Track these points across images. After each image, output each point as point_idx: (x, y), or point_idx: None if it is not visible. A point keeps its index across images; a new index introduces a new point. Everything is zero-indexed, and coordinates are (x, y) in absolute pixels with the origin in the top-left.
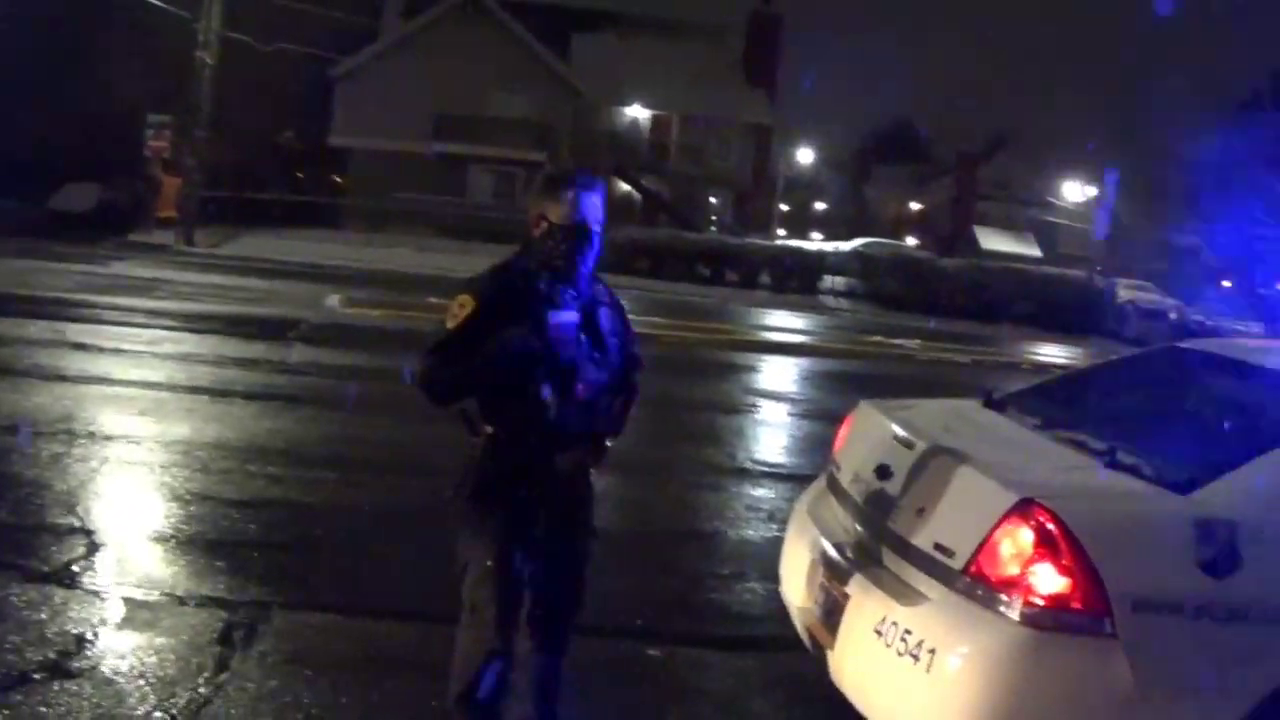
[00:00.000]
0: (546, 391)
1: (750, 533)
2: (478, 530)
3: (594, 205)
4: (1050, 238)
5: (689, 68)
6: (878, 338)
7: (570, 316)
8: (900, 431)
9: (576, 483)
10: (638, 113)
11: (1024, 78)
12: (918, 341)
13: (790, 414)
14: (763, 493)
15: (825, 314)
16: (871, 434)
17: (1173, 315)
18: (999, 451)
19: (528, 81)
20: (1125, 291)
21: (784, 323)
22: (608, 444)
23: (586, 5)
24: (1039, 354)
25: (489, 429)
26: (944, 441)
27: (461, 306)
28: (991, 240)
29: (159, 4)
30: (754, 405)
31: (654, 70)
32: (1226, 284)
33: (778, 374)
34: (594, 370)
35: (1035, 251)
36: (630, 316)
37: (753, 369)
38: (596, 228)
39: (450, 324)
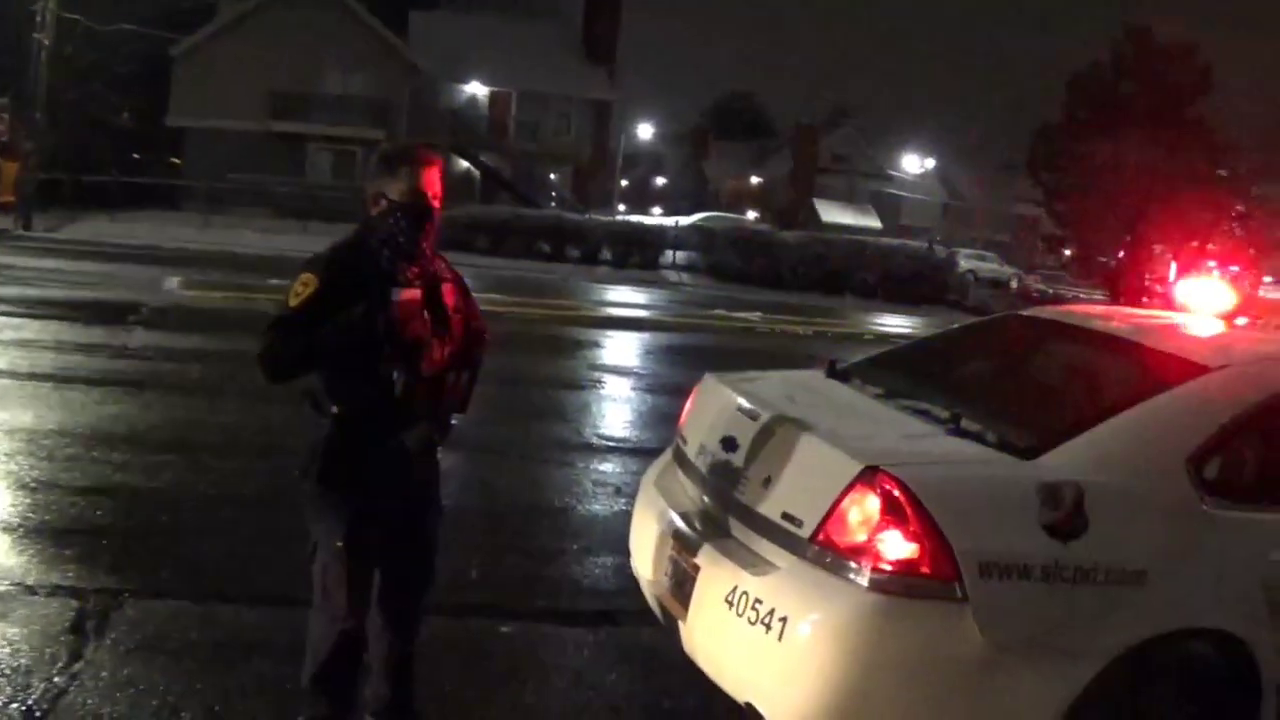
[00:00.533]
0: (391, 370)
1: (598, 507)
2: (326, 511)
3: (433, 180)
4: (891, 210)
5: (528, 44)
6: (719, 311)
7: (413, 293)
8: (744, 403)
9: (423, 461)
10: (476, 89)
11: (863, 50)
12: (759, 314)
13: (634, 389)
14: (609, 467)
15: (667, 289)
16: (716, 406)
17: (1013, 284)
18: (843, 421)
19: (365, 59)
20: (966, 261)
21: (626, 298)
22: (454, 421)
23: None
24: (881, 324)
25: (335, 408)
26: (788, 412)
27: (304, 285)
28: (832, 213)
29: None
30: (598, 381)
31: (493, 46)
32: (1067, 252)
33: (621, 349)
34: (438, 347)
35: (876, 223)
36: (475, 292)
37: (596, 345)
38: (436, 203)
39: (293, 301)
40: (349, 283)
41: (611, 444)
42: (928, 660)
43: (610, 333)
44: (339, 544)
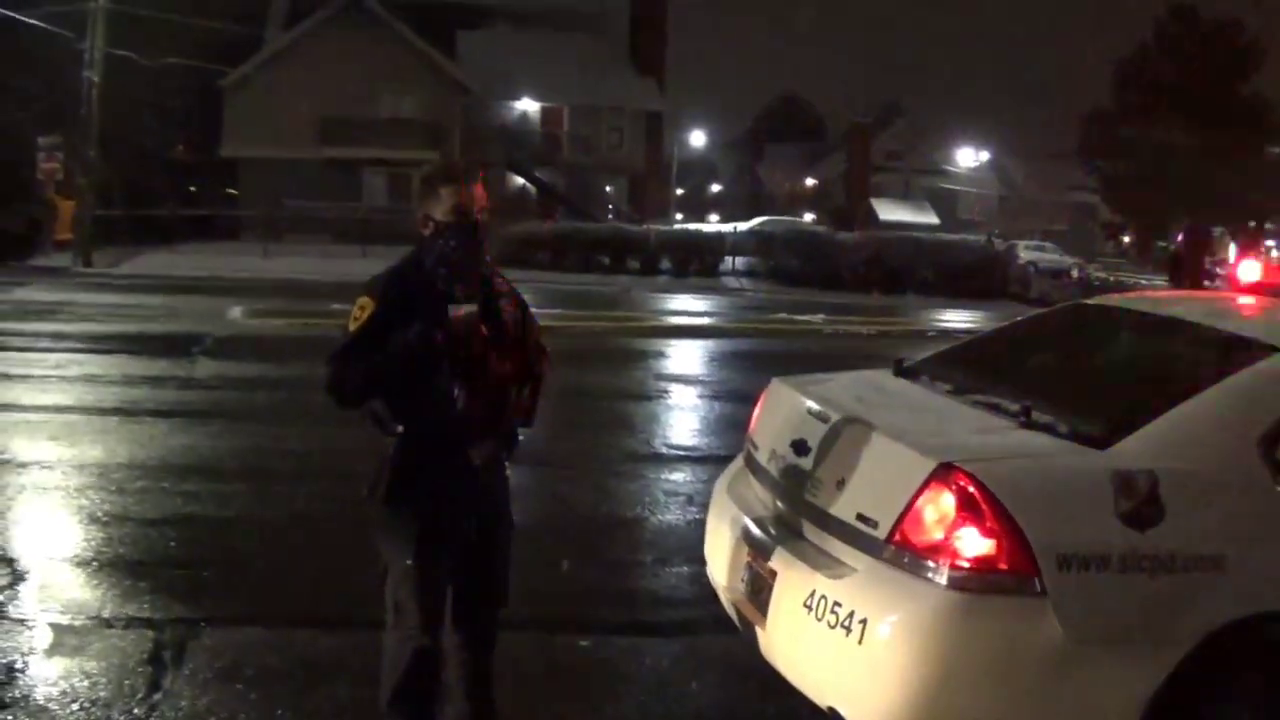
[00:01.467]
0: (453, 386)
1: (670, 517)
2: (395, 530)
3: (476, 197)
4: (948, 205)
5: (576, 58)
6: (782, 315)
7: (470, 309)
8: (814, 405)
9: (491, 475)
10: (527, 106)
11: (910, 46)
12: (821, 316)
13: (700, 397)
14: (680, 476)
15: (728, 295)
16: (785, 410)
17: (1075, 273)
18: (914, 419)
19: (415, 81)
20: (1026, 253)
21: (687, 306)
22: (519, 435)
23: (470, 1)
24: (944, 320)
25: (400, 428)
26: (858, 412)
27: (362, 309)
28: (889, 211)
29: (42, 26)
30: (664, 391)
31: (541, 63)
32: (1126, 239)
33: (685, 358)
34: (498, 362)
35: (933, 219)
36: (534, 309)
37: (660, 354)
38: (482, 216)
39: (353, 326)
40: (406, 303)
41: (681, 453)
42: (1010, 657)
43: (673, 342)
44: (408, 562)
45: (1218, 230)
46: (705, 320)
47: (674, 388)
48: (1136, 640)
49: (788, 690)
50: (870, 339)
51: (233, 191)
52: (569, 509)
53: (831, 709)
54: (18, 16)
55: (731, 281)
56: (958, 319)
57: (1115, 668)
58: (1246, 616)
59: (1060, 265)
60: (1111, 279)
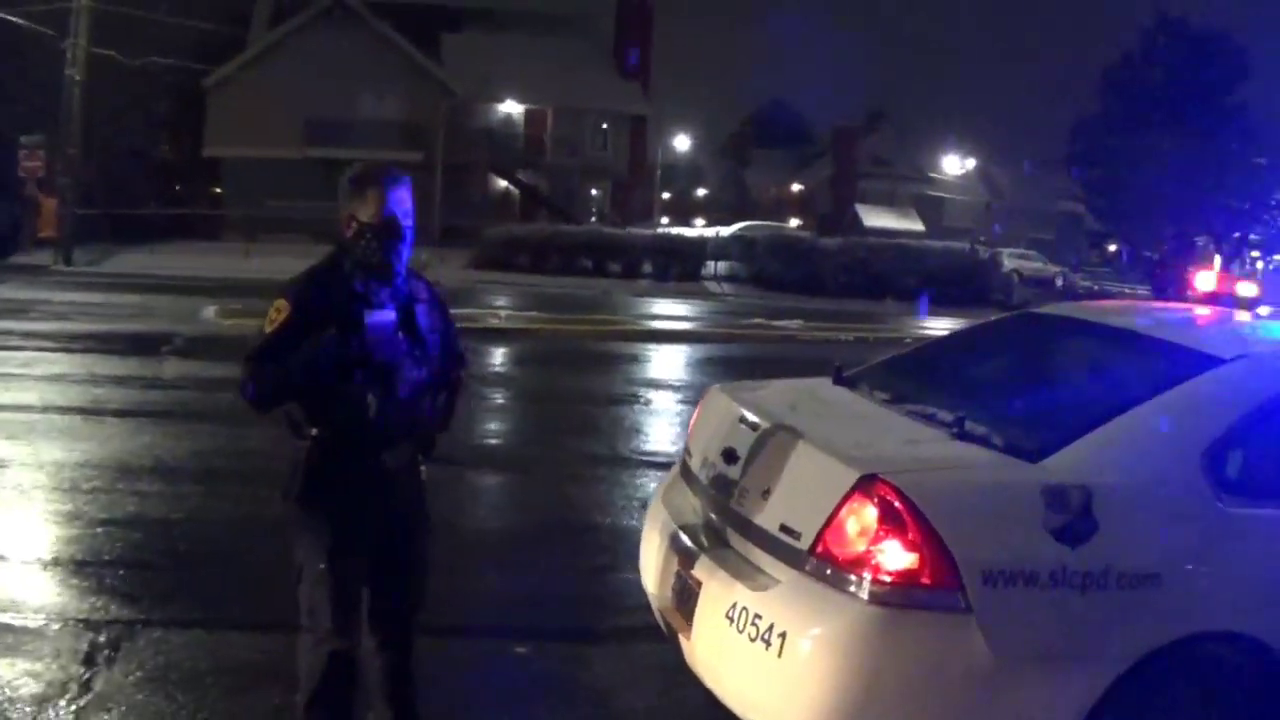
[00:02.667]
0: (366, 392)
1: (627, 523)
2: (308, 533)
3: (401, 200)
4: (934, 212)
5: (560, 61)
6: (759, 320)
7: (387, 315)
8: (745, 413)
9: (406, 480)
10: (511, 108)
11: (897, 53)
12: (799, 322)
13: (675, 401)
14: (643, 482)
15: (708, 300)
16: (718, 417)
17: (1059, 282)
18: (844, 428)
19: (399, 82)
20: (1010, 260)
21: (667, 310)
22: (434, 440)
23: (455, 3)
24: (924, 328)
25: (314, 431)
26: (788, 420)
27: (278, 311)
28: (874, 217)
29: (24, 24)
30: (636, 395)
31: (525, 65)
32: (1112, 248)
33: (661, 363)
34: (414, 368)
35: (918, 226)
36: (512, 312)
37: (636, 359)
38: (407, 222)
39: (268, 329)
40: (323, 306)
41: (645, 459)
42: (932, 674)
43: (650, 346)
44: (321, 566)
45: (1201, 240)
46: (682, 325)
47: (646, 392)
48: (1067, 659)
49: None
50: (847, 345)
51: (216, 191)
52: (525, 513)
53: None
54: (0, 14)
55: (713, 286)
56: (938, 326)
57: (1045, 687)
58: (1183, 637)
59: (1044, 274)
60: (1096, 288)
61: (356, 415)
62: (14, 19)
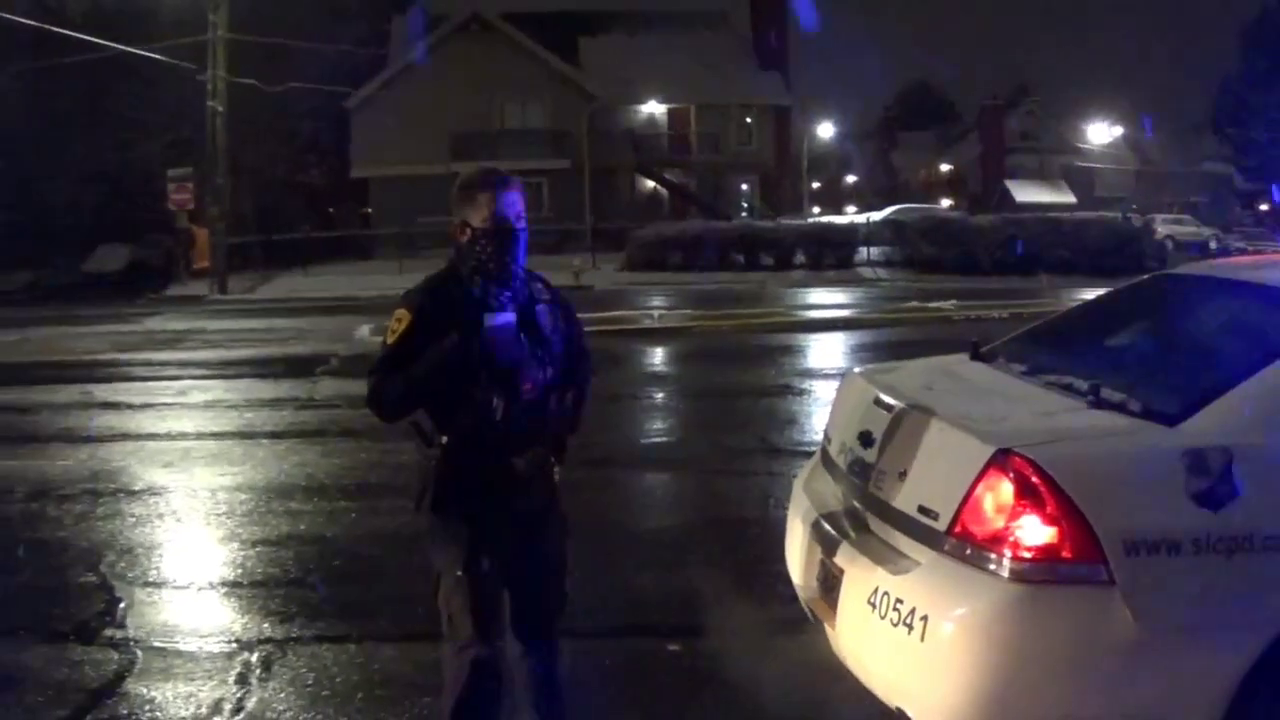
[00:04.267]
0: (491, 396)
1: (780, 514)
2: (443, 541)
3: (512, 202)
4: (1085, 182)
5: (699, 57)
6: (914, 303)
7: (507, 318)
8: (880, 395)
9: (538, 483)
10: (653, 109)
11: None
12: (953, 302)
13: (830, 390)
14: (797, 472)
15: (863, 286)
16: (854, 401)
17: (1212, 245)
18: (979, 404)
19: (540, 91)
20: (1163, 227)
21: (822, 299)
22: (565, 441)
23: (589, 8)
24: (1078, 299)
25: (443, 439)
26: (922, 400)
27: (399, 321)
28: (1025, 192)
29: (164, 59)
30: (791, 386)
31: (664, 64)
32: (1264, 207)
33: (817, 352)
34: (537, 369)
35: (1070, 198)
36: (666, 311)
37: (791, 349)
38: (520, 224)
39: (389, 339)
40: (442, 313)
41: (800, 449)
42: (1079, 650)
43: (805, 336)
44: (458, 573)
45: None
46: (837, 313)
47: (798, 382)
48: (1217, 628)
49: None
50: (1002, 322)
51: (366, 210)
52: (680, 510)
53: (899, 709)
54: (140, 51)
55: (867, 272)
56: (1092, 298)
57: (1195, 657)
58: None
59: (1198, 237)
60: (1250, 248)
61: (483, 419)
62: (154, 55)
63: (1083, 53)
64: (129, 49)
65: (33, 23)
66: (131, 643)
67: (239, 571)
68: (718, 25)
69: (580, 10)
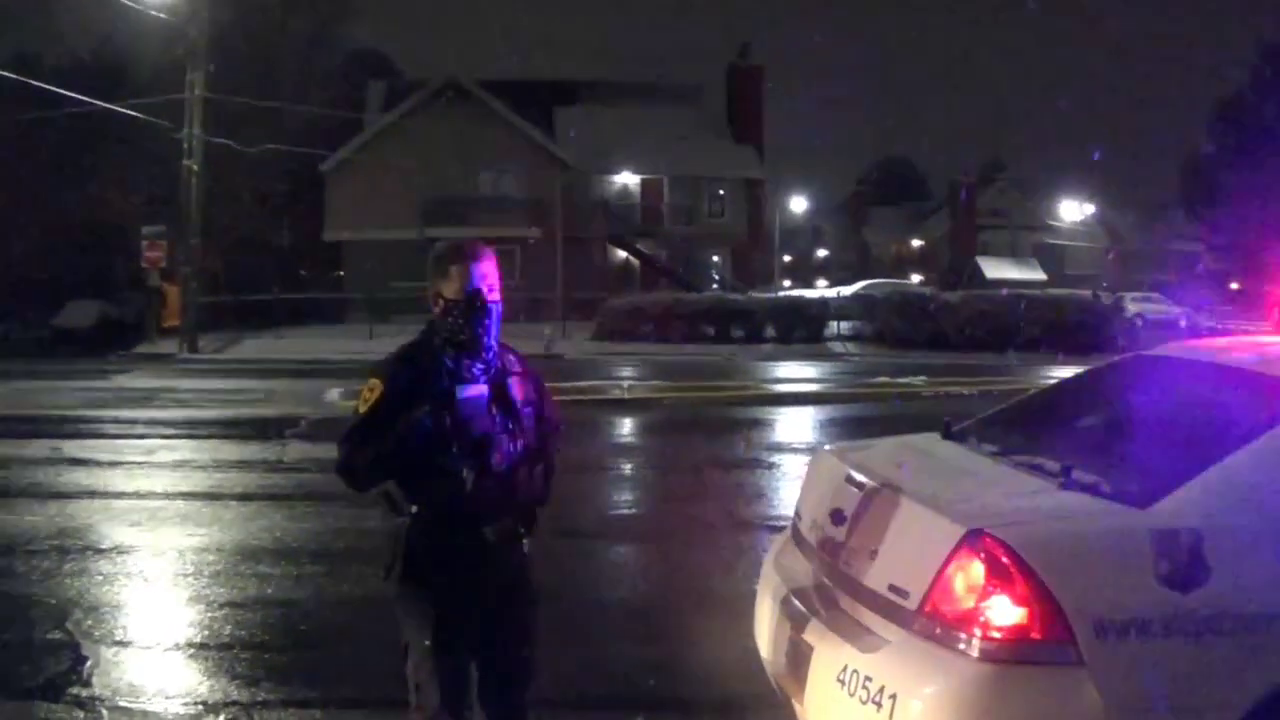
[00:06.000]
0: (462, 466)
1: (749, 588)
2: (412, 610)
3: (485, 274)
4: (1055, 260)
5: (674, 130)
6: (884, 378)
7: (479, 390)
8: (851, 473)
9: (507, 554)
10: (627, 179)
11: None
12: (923, 378)
13: (799, 464)
14: (765, 546)
15: (832, 360)
16: (826, 478)
17: (1183, 323)
18: (950, 483)
19: (514, 159)
20: (1133, 305)
21: (791, 373)
22: (535, 512)
23: (565, 78)
24: (1049, 377)
25: (413, 508)
26: (893, 478)
27: (371, 390)
28: (996, 269)
29: (142, 117)
30: (760, 459)
31: (639, 136)
32: (1235, 286)
33: (785, 425)
34: (509, 441)
35: (1040, 275)
36: (636, 382)
37: (760, 422)
38: (493, 296)
39: (361, 408)
40: (415, 383)
41: (768, 522)
42: None
43: (774, 409)
44: (426, 643)
45: None
46: (806, 387)
47: (766, 455)
48: (1184, 709)
49: None
50: (969, 399)
51: (339, 274)
52: (648, 582)
53: None
54: (116, 109)
55: (836, 346)
56: (1062, 375)
57: None
58: None
59: (1168, 315)
60: (1219, 327)
61: (454, 490)
62: (130, 112)
63: (1055, 132)
64: (107, 105)
65: (11, 74)
66: (98, 702)
67: (206, 633)
68: (693, 99)
69: (557, 80)
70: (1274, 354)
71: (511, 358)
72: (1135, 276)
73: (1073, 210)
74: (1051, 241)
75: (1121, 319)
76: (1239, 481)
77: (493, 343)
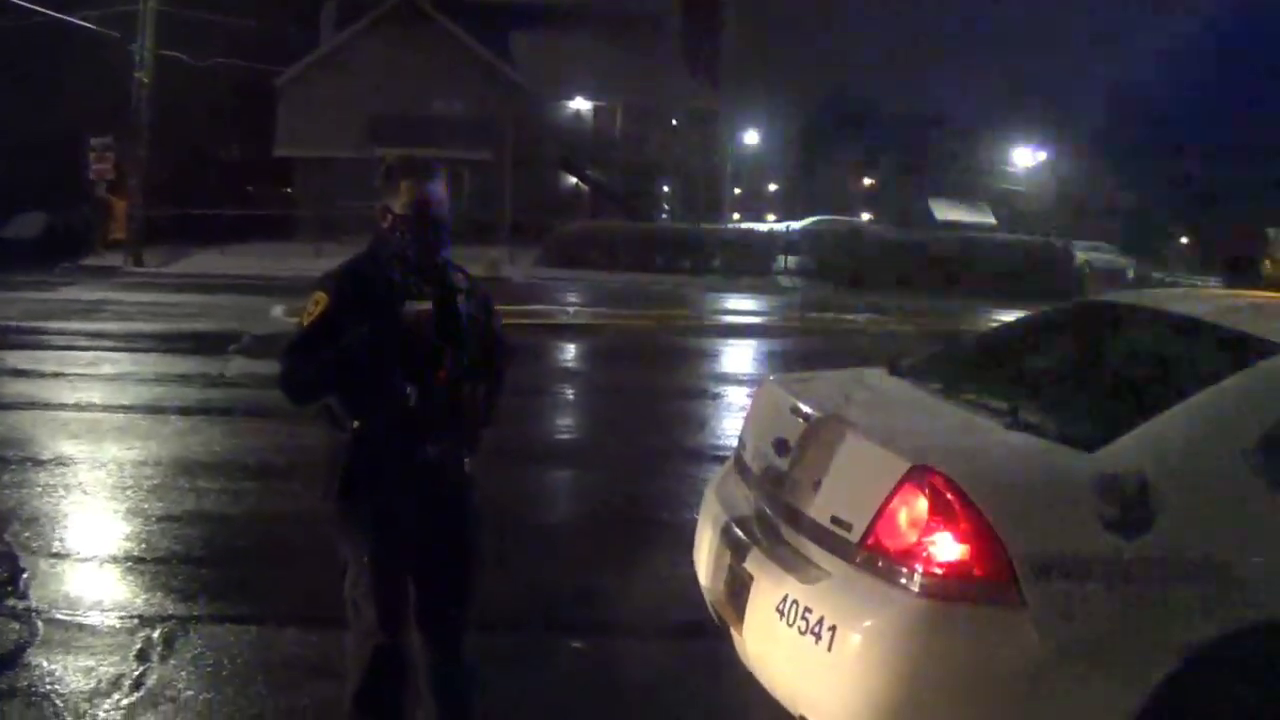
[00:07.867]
0: (405, 384)
1: (689, 517)
2: (350, 528)
3: (434, 191)
4: (1006, 205)
5: (630, 58)
6: (829, 314)
7: (424, 305)
8: (797, 403)
9: (449, 473)
10: (580, 105)
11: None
12: (867, 316)
13: (741, 395)
14: (707, 475)
15: (778, 294)
16: (771, 408)
17: (1129, 274)
18: (896, 418)
19: (468, 81)
20: (1081, 254)
21: (737, 305)
22: (479, 433)
23: (523, 1)
24: (993, 320)
25: (355, 424)
26: (839, 411)
27: (315, 303)
28: (946, 211)
29: (93, 27)
30: (703, 389)
31: (595, 62)
32: (1184, 240)
33: (729, 357)
34: (452, 359)
35: (990, 220)
36: (581, 307)
37: (704, 353)
38: (441, 212)
39: (305, 322)
40: (360, 298)
41: (710, 452)
42: (985, 668)
43: (718, 340)
44: (364, 559)
45: (1273, 232)
46: (751, 319)
47: (710, 385)
48: (1121, 653)
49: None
50: (911, 338)
51: (287, 191)
52: (588, 507)
53: (802, 717)
54: (68, 19)
55: (783, 280)
56: (1007, 319)
57: (1099, 682)
58: (1237, 629)
59: (1115, 266)
60: (1166, 279)
61: (396, 406)
62: (81, 22)
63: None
64: (56, 14)
65: None
66: (34, 613)
67: (143, 546)
68: (650, 28)
69: (512, 3)
70: (1225, 305)
71: (459, 275)
72: (1086, 225)
73: (1025, 156)
74: (1003, 186)
75: (1070, 266)
76: (1185, 430)
77: (440, 259)
